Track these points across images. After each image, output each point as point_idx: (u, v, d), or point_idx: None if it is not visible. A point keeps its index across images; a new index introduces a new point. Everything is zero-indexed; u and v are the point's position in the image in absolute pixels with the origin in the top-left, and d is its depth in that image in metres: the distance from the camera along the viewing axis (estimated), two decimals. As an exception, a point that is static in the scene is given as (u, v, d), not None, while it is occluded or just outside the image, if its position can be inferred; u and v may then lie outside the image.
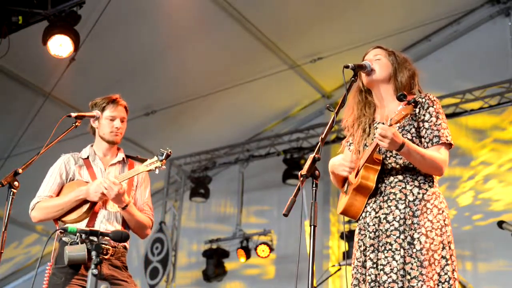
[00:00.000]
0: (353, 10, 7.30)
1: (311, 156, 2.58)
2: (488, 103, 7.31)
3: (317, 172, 2.55)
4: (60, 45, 5.67)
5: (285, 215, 2.49)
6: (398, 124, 2.83)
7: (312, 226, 2.47)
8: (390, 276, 2.68)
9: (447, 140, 2.82)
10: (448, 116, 7.15)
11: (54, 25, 5.66)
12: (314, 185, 2.54)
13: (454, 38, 7.96)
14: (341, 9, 7.29)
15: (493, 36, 7.70)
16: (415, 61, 3.14)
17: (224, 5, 6.86)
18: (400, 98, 2.69)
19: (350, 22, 7.43)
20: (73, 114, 3.41)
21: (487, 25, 7.76)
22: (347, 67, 2.87)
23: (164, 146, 3.41)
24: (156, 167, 3.34)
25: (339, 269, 7.20)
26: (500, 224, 5.37)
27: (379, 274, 2.73)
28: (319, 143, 2.67)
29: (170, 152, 3.33)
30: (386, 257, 2.73)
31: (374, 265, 2.76)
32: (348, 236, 6.53)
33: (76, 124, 3.42)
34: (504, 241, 5.55)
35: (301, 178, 2.54)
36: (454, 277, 2.71)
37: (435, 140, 2.82)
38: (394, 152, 2.83)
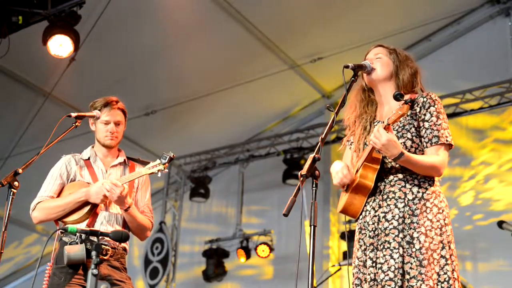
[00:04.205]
0: (353, 10, 7.29)
1: (311, 156, 2.57)
2: (488, 103, 7.31)
3: (317, 172, 2.55)
4: (60, 45, 5.67)
5: (285, 215, 2.48)
6: (398, 123, 2.84)
7: (312, 226, 2.47)
8: (387, 274, 2.68)
9: (446, 140, 2.80)
10: (448, 116, 7.07)
11: (54, 25, 5.66)
12: (314, 185, 2.54)
13: (454, 38, 7.96)
14: (341, 9, 7.29)
15: (493, 36, 7.70)
16: (415, 61, 3.14)
17: (224, 5, 6.86)
18: (396, 98, 2.70)
19: (350, 22, 7.43)
20: (73, 114, 3.39)
21: (487, 25, 7.76)
22: (347, 67, 2.86)
23: (164, 146, 3.42)
24: (158, 170, 3.34)
25: (339, 269, 7.19)
26: (500, 224, 5.37)
27: (377, 272, 2.72)
28: (319, 143, 2.67)
29: (173, 156, 3.33)
30: (384, 255, 2.72)
31: (374, 264, 2.76)
32: (348, 236, 6.51)
33: (76, 124, 3.41)
34: (504, 241, 5.55)
35: (301, 178, 2.54)
36: (454, 277, 2.70)
37: (434, 140, 2.80)
38: None
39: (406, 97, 2.74)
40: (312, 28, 7.49)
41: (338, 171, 2.91)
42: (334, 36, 7.61)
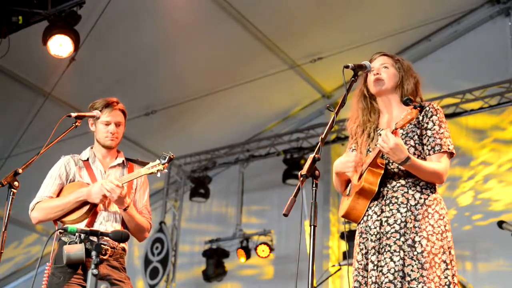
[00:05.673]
0: (353, 10, 7.29)
1: (311, 156, 2.58)
2: (488, 103, 7.31)
3: (317, 172, 2.55)
4: (60, 45, 5.67)
5: (285, 215, 2.49)
6: (402, 131, 2.86)
7: (312, 226, 2.47)
8: (387, 277, 2.71)
9: (448, 149, 2.86)
10: (448, 116, 7.14)
11: (54, 25, 5.66)
12: (314, 185, 2.54)
13: (454, 38, 7.95)
14: (341, 9, 7.29)
15: (493, 36, 7.69)
16: (415, 61, 3.17)
17: (224, 5, 6.86)
18: (406, 103, 2.73)
19: (350, 22, 7.43)
20: (73, 114, 3.40)
21: (487, 25, 7.76)
22: (347, 67, 2.87)
23: (164, 146, 3.42)
24: (158, 170, 3.34)
25: (339, 269, 7.20)
26: (500, 224, 5.38)
27: (378, 275, 2.75)
28: (319, 143, 2.67)
29: (172, 155, 3.34)
30: (384, 258, 2.75)
31: (375, 267, 2.78)
32: (348, 236, 6.51)
33: (76, 124, 3.41)
34: (504, 241, 5.56)
35: (301, 178, 2.54)
36: (454, 282, 2.74)
37: (437, 148, 2.85)
38: None
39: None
40: (312, 28, 7.49)
41: (346, 160, 2.93)
42: (334, 36, 7.61)
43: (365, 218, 2.91)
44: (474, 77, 7.49)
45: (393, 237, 2.76)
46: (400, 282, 2.68)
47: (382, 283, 2.70)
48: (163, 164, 3.33)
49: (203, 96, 8.13)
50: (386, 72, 3.01)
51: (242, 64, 7.92)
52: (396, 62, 3.05)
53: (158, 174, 3.36)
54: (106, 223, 3.34)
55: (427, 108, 2.91)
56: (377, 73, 3.00)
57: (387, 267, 2.72)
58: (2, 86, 7.23)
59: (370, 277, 2.77)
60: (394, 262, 2.71)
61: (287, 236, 8.64)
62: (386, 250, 2.76)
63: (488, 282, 6.92)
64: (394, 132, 2.73)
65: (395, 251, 2.73)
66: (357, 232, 2.95)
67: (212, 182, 9.35)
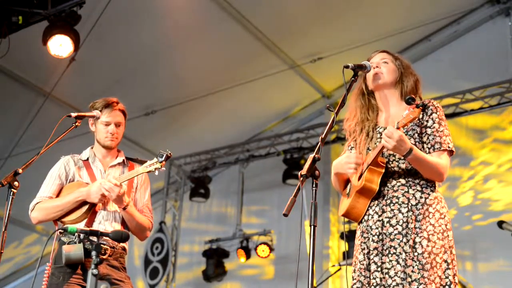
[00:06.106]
0: (353, 10, 7.30)
1: (311, 156, 2.58)
2: (488, 103, 7.31)
3: (317, 172, 2.55)
4: (60, 45, 5.67)
5: (285, 215, 2.49)
6: (402, 129, 2.85)
7: (312, 226, 2.47)
8: (395, 280, 2.71)
9: (448, 147, 2.84)
10: (448, 116, 7.14)
11: (54, 25, 5.66)
12: (314, 185, 2.54)
13: (454, 38, 7.96)
14: (341, 9, 7.29)
15: (493, 36, 7.70)
16: (415, 61, 3.18)
17: (224, 5, 6.86)
18: (408, 102, 2.71)
19: (350, 22, 7.43)
20: (73, 114, 3.40)
21: (487, 25, 7.76)
22: (347, 67, 2.87)
23: (164, 146, 3.41)
24: (155, 169, 3.34)
25: (339, 269, 7.20)
26: (500, 224, 5.38)
27: (384, 277, 2.75)
28: (319, 143, 2.67)
29: (170, 154, 3.33)
30: (390, 260, 2.75)
31: (379, 269, 2.78)
32: (348, 236, 6.51)
33: (76, 124, 3.41)
34: (504, 241, 5.56)
35: (301, 178, 2.54)
36: (454, 282, 2.73)
37: (436, 146, 2.84)
38: (397, 156, 2.84)
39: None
40: (312, 28, 7.49)
41: (345, 161, 2.91)
42: (334, 36, 7.61)
43: (365, 218, 2.90)
44: (474, 77, 7.50)
45: (397, 239, 2.76)
46: (402, 283, 2.68)
47: (389, 286, 2.70)
48: (160, 162, 3.32)
49: (203, 96, 8.13)
50: (386, 67, 3.01)
51: (242, 64, 7.92)
52: (396, 59, 3.05)
53: (156, 173, 3.36)
54: (105, 222, 3.34)
55: (427, 106, 2.90)
56: (377, 66, 3.00)
57: (394, 270, 2.72)
58: (2, 86, 7.24)
59: (374, 278, 2.77)
60: (400, 265, 2.72)
61: (287, 236, 8.65)
62: (392, 252, 2.75)
63: (488, 282, 6.92)
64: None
65: (400, 253, 2.74)
66: (358, 232, 2.94)
67: (212, 182, 9.35)
